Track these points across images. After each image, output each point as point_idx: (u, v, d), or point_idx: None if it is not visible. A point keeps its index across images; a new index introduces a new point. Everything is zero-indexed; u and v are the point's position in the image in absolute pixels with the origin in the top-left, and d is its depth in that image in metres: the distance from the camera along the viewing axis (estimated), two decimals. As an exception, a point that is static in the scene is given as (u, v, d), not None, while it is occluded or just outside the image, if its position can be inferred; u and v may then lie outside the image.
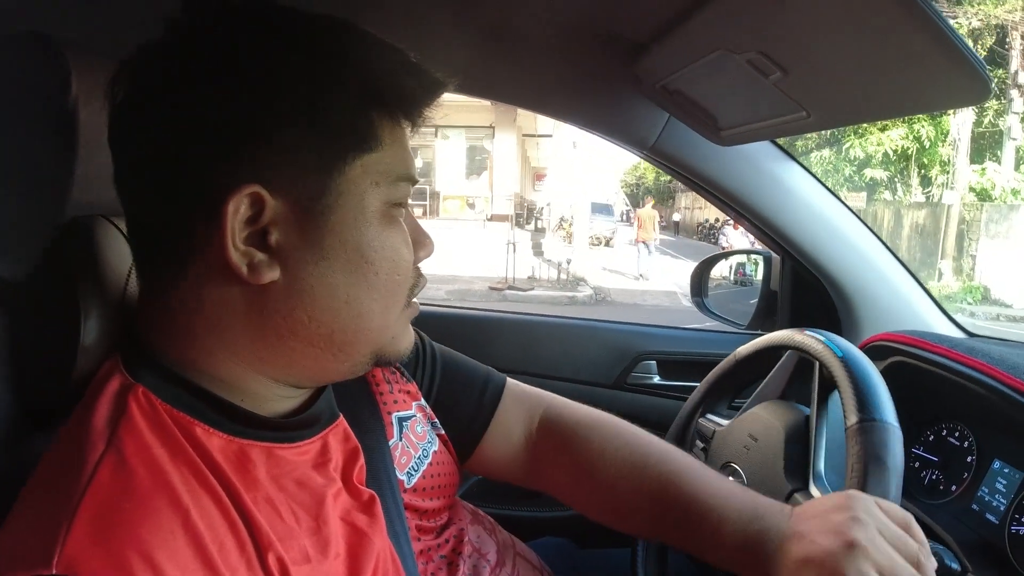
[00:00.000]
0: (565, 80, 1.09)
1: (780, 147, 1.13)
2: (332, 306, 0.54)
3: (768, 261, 1.32)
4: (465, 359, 0.85)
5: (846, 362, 0.75)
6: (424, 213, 16.09)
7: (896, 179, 13.71)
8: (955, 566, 0.69)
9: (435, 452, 0.77)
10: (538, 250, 13.66)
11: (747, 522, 0.65)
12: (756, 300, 1.37)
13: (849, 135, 13.26)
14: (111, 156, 0.54)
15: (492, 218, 15.69)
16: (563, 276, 11.27)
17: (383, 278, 0.56)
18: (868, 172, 13.70)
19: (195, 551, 0.45)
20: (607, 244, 18.78)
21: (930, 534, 0.84)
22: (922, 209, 13.04)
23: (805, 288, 1.22)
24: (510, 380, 0.85)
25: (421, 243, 0.62)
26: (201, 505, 0.47)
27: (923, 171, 13.71)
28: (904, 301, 1.18)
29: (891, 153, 13.11)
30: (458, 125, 16.00)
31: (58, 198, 0.60)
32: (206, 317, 0.53)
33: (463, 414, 0.81)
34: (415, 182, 0.59)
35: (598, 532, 1.31)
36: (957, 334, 1.16)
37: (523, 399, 0.84)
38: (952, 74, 0.62)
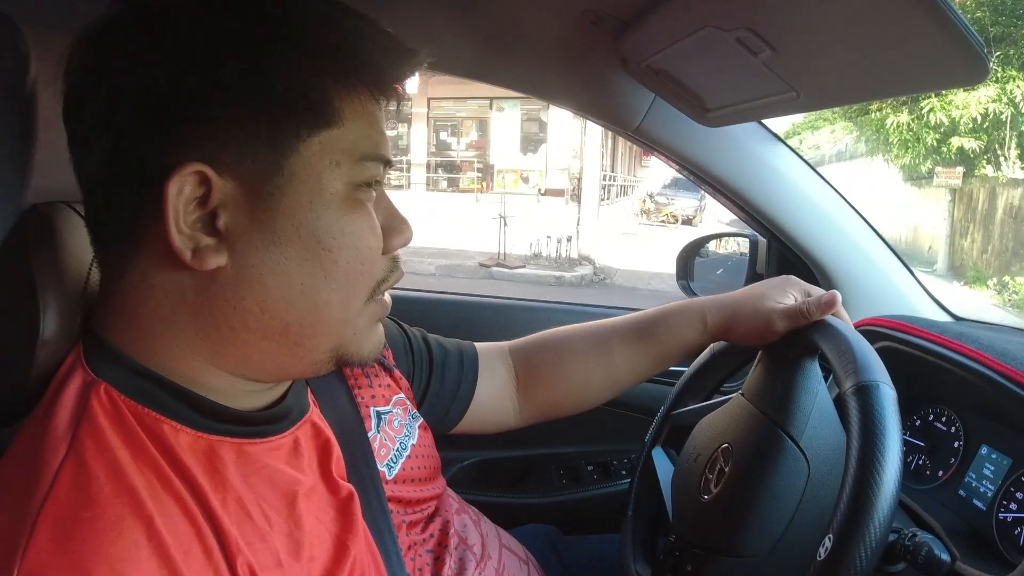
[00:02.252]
0: (548, 59, 1.06)
1: (767, 128, 1.12)
2: (286, 295, 0.51)
3: (754, 244, 1.31)
4: (440, 340, 0.91)
5: (832, 327, 0.75)
6: (485, 187, 15.91)
7: (997, 149, 11.08)
8: (944, 556, 0.68)
9: (413, 445, 0.77)
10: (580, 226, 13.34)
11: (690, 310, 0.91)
12: (721, 271, 1.38)
13: (929, 96, 10.56)
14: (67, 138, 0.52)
15: (546, 192, 15.28)
16: (563, 254, 10.76)
17: (343, 267, 0.52)
18: (955, 141, 11.02)
19: (160, 561, 0.43)
20: (687, 223, 17.15)
21: (918, 521, 0.84)
22: (1018, 188, 10.56)
23: (791, 271, 1.21)
24: (476, 343, 0.95)
25: (396, 229, 0.58)
26: (166, 511, 0.45)
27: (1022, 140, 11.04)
28: (891, 285, 1.17)
29: (979, 118, 10.55)
30: (513, 96, 15.82)
31: (16, 184, 0.57)
32: (156, 306, 0.51)
33: (449, 387, 0.88)
34: (388, 162, 0.56)
35: (582, 519, 1.34)
36: (944, 318, 1.16)
37: (492, 352, 0.95)
38: (948, 53, 0.60)
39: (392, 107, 0.57)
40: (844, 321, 0.80)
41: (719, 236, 1.47)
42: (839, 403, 0.70)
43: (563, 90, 1.13)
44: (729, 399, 0.88)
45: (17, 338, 0.55)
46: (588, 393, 0.94)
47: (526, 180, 16.57)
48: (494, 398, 0.92)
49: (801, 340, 0.80)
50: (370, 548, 0.62)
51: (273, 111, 0.48)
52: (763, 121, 1.11)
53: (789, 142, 1.17)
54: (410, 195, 16.29)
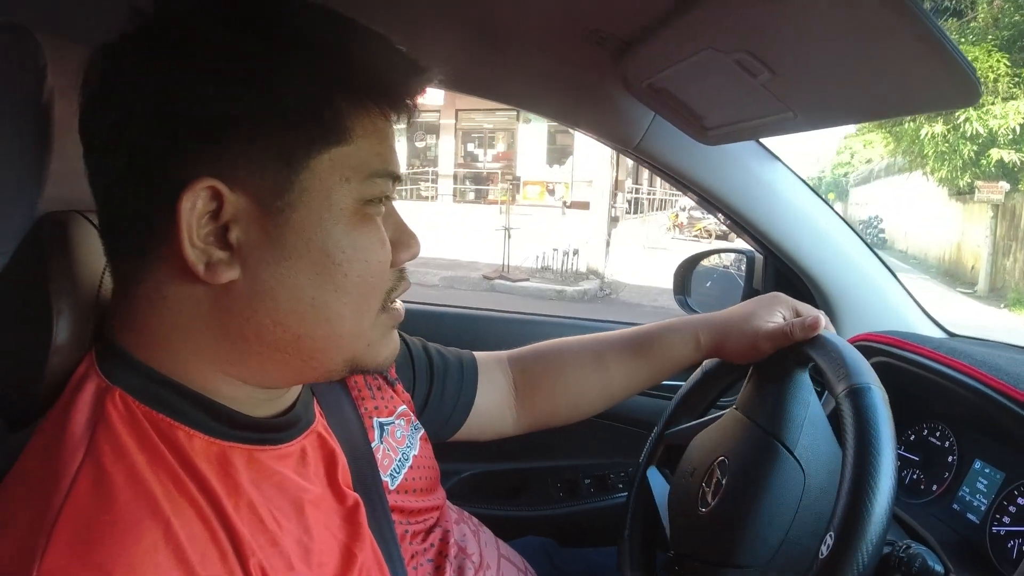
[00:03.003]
0: (551, 77, 1.07)
1: (764, 147, 1.14)
2: (297, 310, 0.52)
3: (751, 260, 1.32)
4: (440, 348, 0.92)
5: (821, 337, 0.79)
6: (512, 199, 15.43)
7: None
8: (938, 568, 0.69)
9: (414, 455, 0.78)
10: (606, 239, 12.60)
11: (684, 326, 0.94)
12: (717, 286, 1.40)
13: (964, 107, 9.99)
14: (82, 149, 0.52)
15: (572, 205, 14.81)
16: (569, 268, 10.32)
17: (353, 280, 0.53)
18: (995, 153, 10.14)
19: (177, 563, 0.44)
20: (721, 238, 15.90)
21: (912, 534, 0.85)
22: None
23: (787, 288, 1.22)
24: (475, 352, 0.96)
25: (404, 244, 0.59)
26: (182, 514, 0.46)
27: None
28: (886, 301, 1.19)
29: (1018, 129, 9.75)
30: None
31: (32, 193, 0.57)
32: (170, 316, 0.51)
33: (450, 395, 0.89)
34: (397, 178, 0.56)
35: (579, 531, 1.34)
36: (938, 334, 1.18)
37: (490, 361, 0.96)
38: (941, 77, 0.62)
39: (403, 123, 0.58)
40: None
41: (716, 252, 1.48)
42: (833, 413, 0.72)
43: (566, 108, 1.14)
44: (723, 415, 0.90)
45: (31, 344, 0.56)
46: (583, 404, 0.97)
47: (552, 192, 16.06)
48: (492, 406, 0.94)
49: (792, 352, 0.83)
50: (376, 557, 0.62)
51: (285, 129, 0.49)
52: (761, 140, 1.13)
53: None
54: (437, 206, 16.16)
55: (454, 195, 17.46)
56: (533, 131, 16.40)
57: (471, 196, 17.50)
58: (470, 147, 17.68)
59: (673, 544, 0.85)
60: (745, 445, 0.81)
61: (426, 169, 17.45)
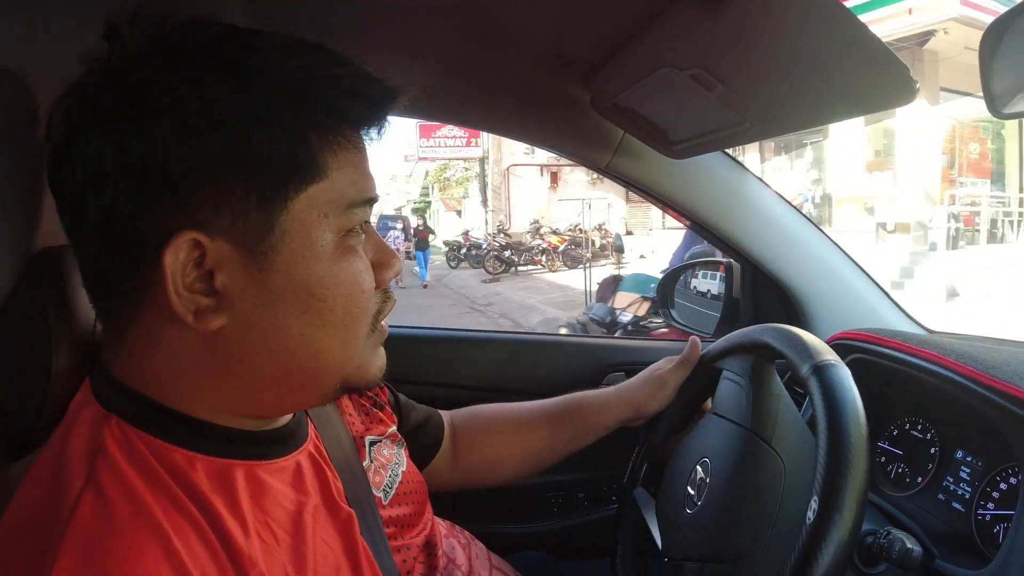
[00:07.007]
0: (522, 102, 1.11)
1: (731, 157, 1.18)
2: (287, 347, 0.53)
3: (729, 269, 1.34)
4: (413, 403, 0.97)
5: (778, 329, 0.84)
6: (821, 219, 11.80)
7: None
8: (916, 549, 0.71)
9: (403, 471, 0.81)
10: (907, 275, 9.06)
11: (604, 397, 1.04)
12: (692, 296, 1.43)
13: None
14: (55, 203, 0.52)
15: (897, 228, 10.83)
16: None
17: (340, 314, 0.54)
18: None
19: None
20: None
21: (899, 526, 0.87)
22: None
23: (766, 294, 1.25)
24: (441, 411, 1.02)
25: (385, 264, 0.59)
26: (182, 533, 0.47)
27: None
28: (862, 301, 1.21)
29: None
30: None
31: (27, 231, 0.61)
32: (163, 359, 0.52)
33: (416, 451, 0.91)
34: (375, 200, 0.57)
35: (575, 545, 1.34)
36: (917, 331, 1.20)
37: (448, 421, 1.02)
38: (879, 79, 0.66)
39: (378, 138, 0.58)
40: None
41: (696, 264, 1.51)
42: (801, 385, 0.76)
43: (538, 130, 1.18)
44: (701, 422, 0.94)
45: (32, 374, 0.58)
46: (503, 470, 1.04)
47: (870, 211, 11.77)
48: (438, 462, 0.98)
49: (756, 349, 0.89)
50: (371, 567, 0.63)
51: (261, 174, 0.49)
52: (728, 151, 1.17)
53: None
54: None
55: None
56: (846, 128, 11.85)
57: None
58: (779, 160, 14.03)
59: (665, 552, 0.87)
60: (724, 443, 0.84)
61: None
